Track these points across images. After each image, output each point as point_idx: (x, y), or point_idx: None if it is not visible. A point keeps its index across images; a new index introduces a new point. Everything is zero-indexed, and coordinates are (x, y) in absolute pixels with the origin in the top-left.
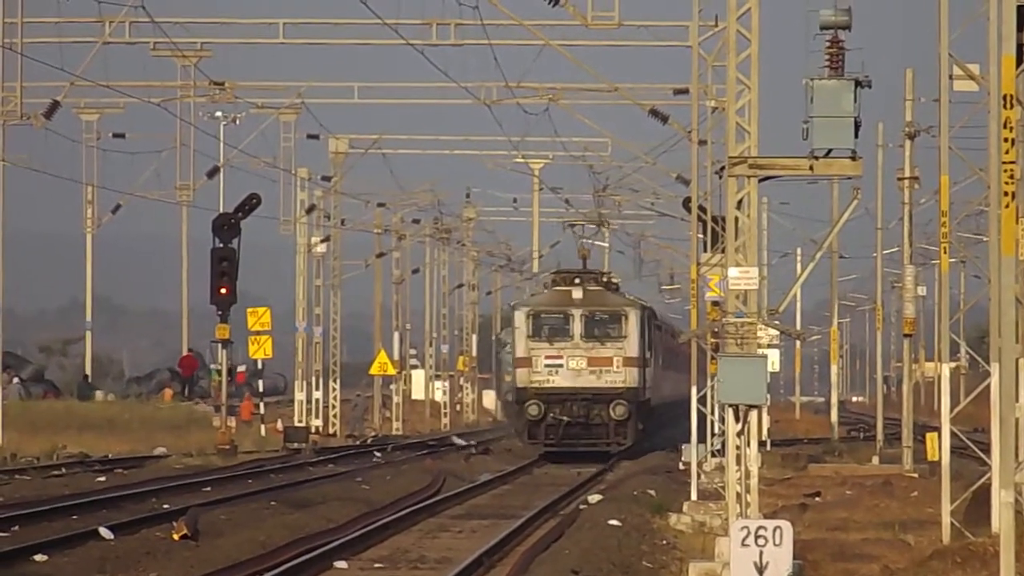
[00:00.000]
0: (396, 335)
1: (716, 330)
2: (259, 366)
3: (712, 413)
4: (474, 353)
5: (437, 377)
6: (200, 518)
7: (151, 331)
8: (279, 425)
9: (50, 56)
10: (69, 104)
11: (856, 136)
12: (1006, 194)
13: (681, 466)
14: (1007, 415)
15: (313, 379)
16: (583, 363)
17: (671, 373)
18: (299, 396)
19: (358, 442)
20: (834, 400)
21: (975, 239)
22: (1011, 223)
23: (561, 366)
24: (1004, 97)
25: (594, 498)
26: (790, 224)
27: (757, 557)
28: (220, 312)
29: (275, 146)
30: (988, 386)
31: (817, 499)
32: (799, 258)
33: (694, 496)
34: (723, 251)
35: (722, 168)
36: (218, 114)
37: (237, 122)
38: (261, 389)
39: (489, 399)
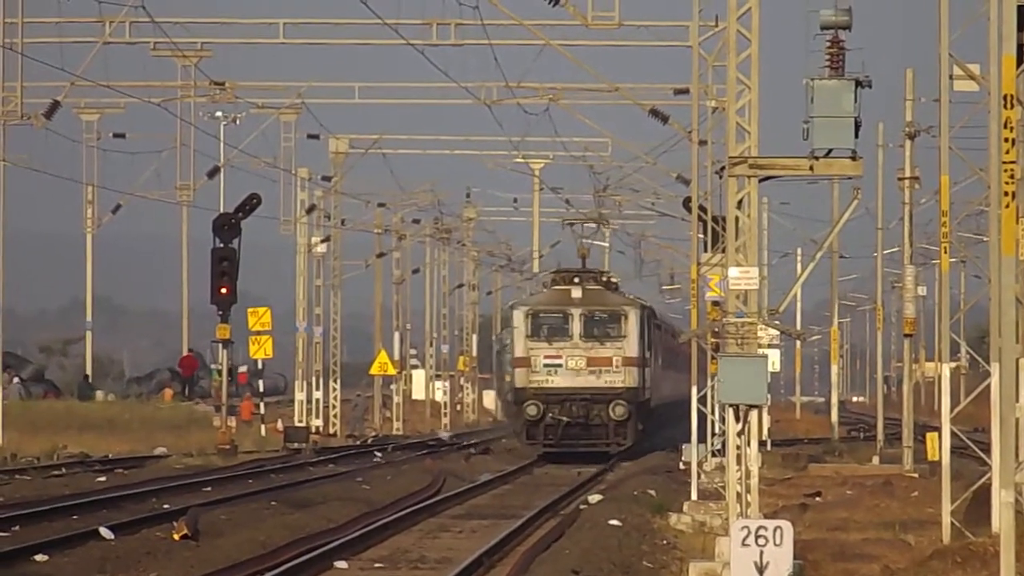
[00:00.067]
0: (396, 335)
1: (716, 330)
2: (259, 366)
3: (712, 413)
4: (474, 353)
5: (437, 377)
6: (200, 518)
7: (151, 331)
8: (279, 425)
9: (50, 56)
10: (69, 104)
11: (856, 136)
12: (1006, 194)
13: (681, 466)
14: (1007, 415)
15: (313, 379)
16: (582, 363)
17: (671, 373)
18: (299, 396)
19: (358, 442)
20: (834, 400)
21: (975, 239)
22: (1011, 223)
23: (560, 366)
24: (1004, 97)
25: (594, 498)
26: (790, 224)
27: (757, 557)
28: (220, 312)
29: (275, 146)
30: (988, 386)
31: (817, 499)
32: (799, 258)
33: (694, 496)
34: (723, 251)
35: (722, 168)
36: (218, 114)
37: (237, 122)
38: (261, 389)
39: (489, 399)
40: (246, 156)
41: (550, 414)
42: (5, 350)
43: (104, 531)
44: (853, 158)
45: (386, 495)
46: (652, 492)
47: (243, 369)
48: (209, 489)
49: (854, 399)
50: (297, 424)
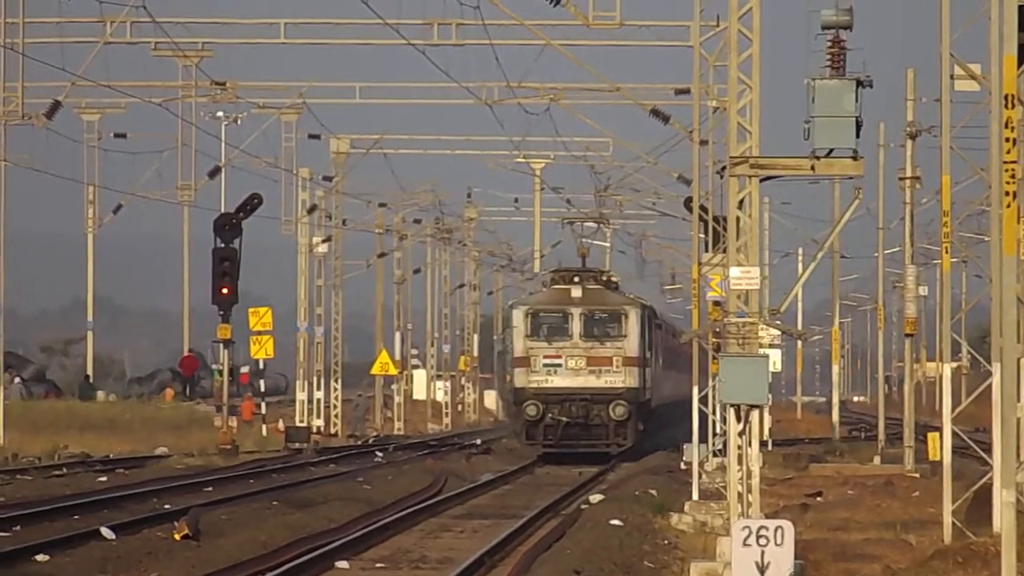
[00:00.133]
0: (397, 335)
1: (718, 330)
2: (261, 366)
3: (714, 413)
4: (475, 353)
5: (438, 377)
6: (201, 518)
7: (152, 331)
8: (280, 425)
9: (51, 56)
10: (70, 104)
11: (857, 136)
12: (1007, 194)
13: (682, 466)
14: (1008, 415)
15: (314, 379)
16: (582, 363)
17: (672, 373)
18: (300, 396)
19: (359, 442)
20: (835, 400)
21: (976, 239)
22: (1012, 223)
23: (560, 366)
24: (1005, 97)
25: (595, 498)
26: (791, 224)
27: (758, 557)
28: (221, 312)
29: (276, 146)
30: (989, 386)
31: (818, 499)
32: (800, 258)
33: (695, 496)
34: (724, 251)
35: (723, 168)
36: (219, 114)
37: (238, 122)
38: (263, 389)
39: (490, 399)
40: (247, 156)
41: (550, 414)
42: (6, 350)
43: (105, 531)
44: (854, 158)
45: (387, 495)
46: (653, 492)
47: (245, 369)
48: (210, 489)
49: (855, 399)
50: (298, 424)
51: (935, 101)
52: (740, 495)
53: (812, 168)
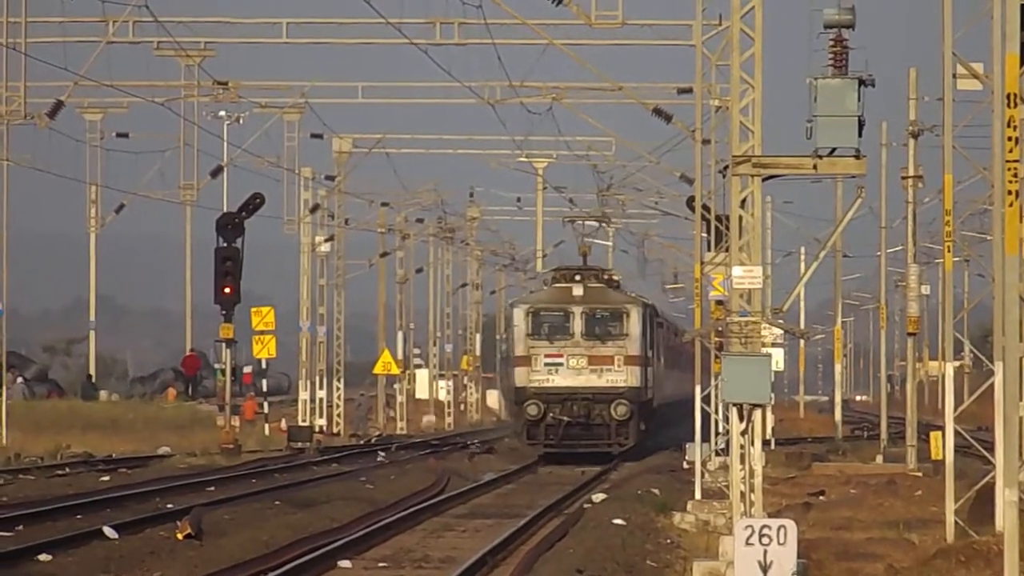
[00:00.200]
0: (400, 334)
1: (720, 329)
2: (263, 366)
3: (716, 412)
4: (478, 352)
5: (441, 376)
6: (204, 518)
7: (155, 331)
8: (283, 425)
9: (54, 56)
10: (73, 104)
11: (860, 135)
12: (1010, 192)
13: (685, 465)
14: (1011, 414)
15: (317, 378)
16: (583, 362)
17: (674, 372)
18: (303, 395)
19: (362, 442)
20: (838, 399)
21: (979, 238)
22: (1015, 221)
23: (561, 365)
24: (1008, 96)
25: (598, 497)
26: (794, 223)
27: (761, 556)
28: (224, 312)
29: (279, 145)
30: (992, 385)
31: (821, 498)
32: (803, 257)
33: (698, 495)
34: (727, 250)
35: (726, 167)
36: (222, 114)
37: (241, 121)
38: (265, 388)
39: (493, 398)
40: (249, 156)
41: (551, 414)
42: (9, 350)
43: (108, 531)
44: (857, 157)
45: (390, 494)
46: (656, 491)
47: (248, 369)
48: (213, 489)
49: (858, 398)
50: (301, 424)
51: (937, 100)
52: (743, 494)
53: (814, 167)
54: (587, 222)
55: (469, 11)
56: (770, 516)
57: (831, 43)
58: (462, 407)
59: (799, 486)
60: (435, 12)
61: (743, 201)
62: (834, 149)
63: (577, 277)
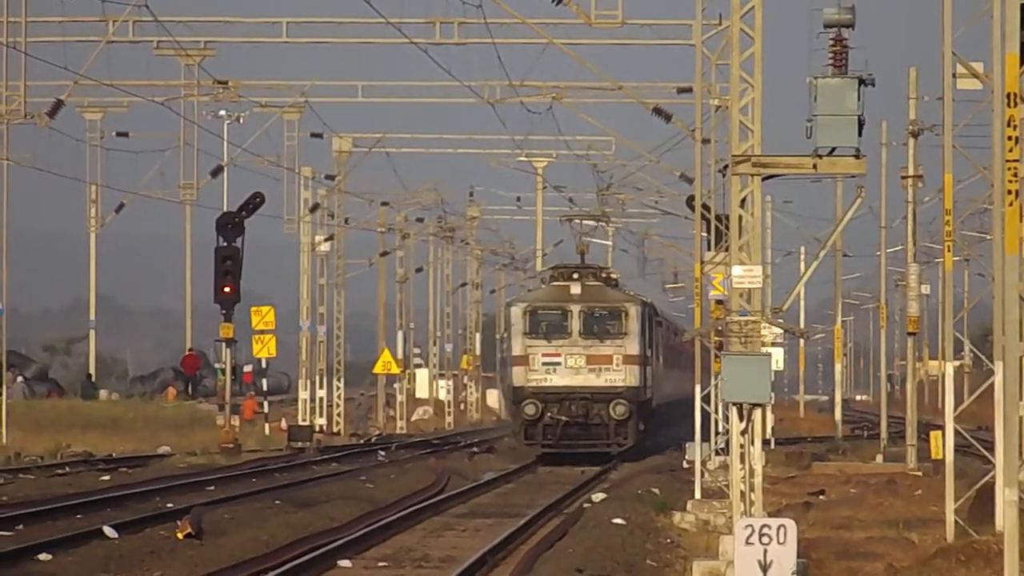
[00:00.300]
0: (400, 334)
1: (720, 328)
2: (263, 365)
3: (716, 411)
4: (478, 352)
5: (441, 376)
6: (204, 517)
7: (155, 330)
8: (283, 424)
9: (54, 55)
10: (73, 103)
11: (860, 134)
12: (1010, 192)
13: (685, 464)
14: (1011, 413)
15: (317, 378)
16: (582, 361)
17: (673, 371)
18: (303, 395)
19: (362, 441)
20: (838, 398)
21: (979, 237)
22: (1015, 221)
23: (559, 364)
24: (1008, 95)
25: (598, 497)
26: (794, 222)
27: (761, 555)
28: (224, 311)
29: (279, 145)
30: (992, 384)
31: (821, 497)
32: (803, 256)
33: (698, 495)
34: (727, 249)
35: (726, 166)
36: (222, 113)
37: (241, 121)
38: (265, 388)
39: (493, 398)
40: (249, 155)
41: (549, 414)
42: (9, 349)
43: (108, 530)
44: (856, 156)
45: (390, 494)
46: (656, 491)
47: (248, 368)
48: (213, 488)
49: (858, 397)
50: (301, 423)
51: (937, 99)
52: (743, 494)
53: (814, 167)
54: (585, 221)
55: (469, 11)
56: (770, 515)
57: (831, 43)
58: (462, 407)
59: (799, 486)
60: (435, 12)
61: (743, 201)
62: (834, 149)
63: (575, 275)
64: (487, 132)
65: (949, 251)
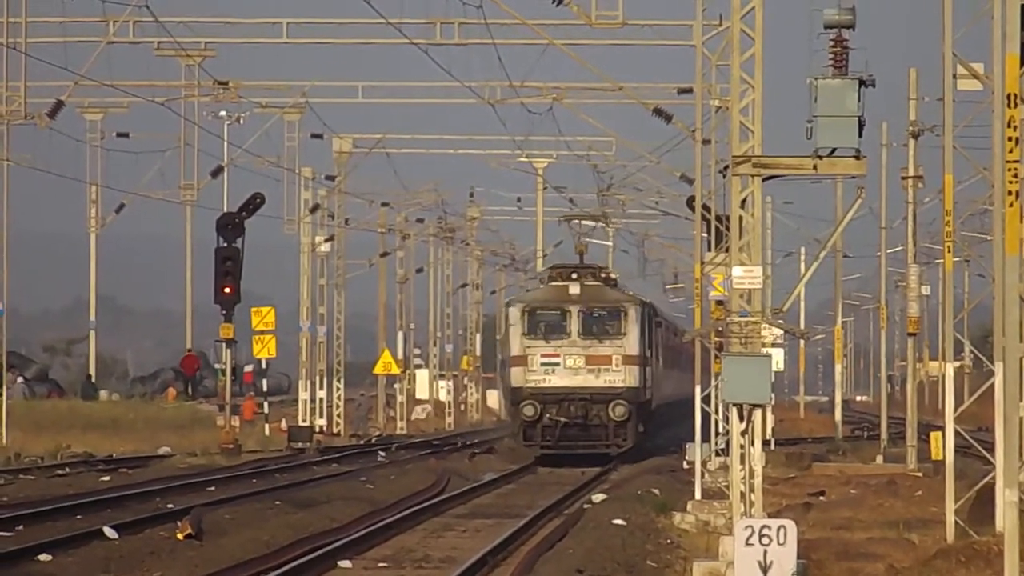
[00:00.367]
0: (400, 334)
1: (720, 329)
2: (263, 366)
3: (716, 412)
4: (478, 352)
5: (441, 377)
6: (204, 518)
7: (155, 331)
8: (283, 424)
9: (54, 56)
10: (73, 104)
11: (860, 135)
12: (1010, 193)
13: (685, 465)
14: (1011, 414)
15: (317, 378)
16: (581, 362)
17: (673, 372)
18: (303, 395)
19: (362, 441)
20: (838, 399)
21: (979, 238)
22: (1015, 222)
23: (558, 365)
24: (1008, 96)
25: (598, 497)
26: (794, 223)
27: (761, 556)
28: (224, 311)
29: (279, 145)
30: (992, 385)
31: (821, 498)
32: (803, 257)
33: (698, 495)
34: (727, 250)
35: (726, 167)
36: (222, 113)
37: (241, 121)
38: (265, 388)
39: (493, 398)
40: (250, 155)
41: (548, 415)
42: (9, 350)
43: (108, 531)
44: (857, 157)
45: (390, 494)
46: (656, 491)
47: (249, 368)
48: (213, 489)
49: (858, 398)
50: (301, 424)
51: (937, 100)
52: (743, 494)
53: (814, 167)
54: (585, 221)
55: (469, 11)
56: (770, 516)
57: (831, 43)
58: (462, 407)
59: (799, 486)
60: (435, 12)
61: (743, 201)
62: (834, 149)
63: (574, 275)
64: (487, 133)
65: (949, 252)
